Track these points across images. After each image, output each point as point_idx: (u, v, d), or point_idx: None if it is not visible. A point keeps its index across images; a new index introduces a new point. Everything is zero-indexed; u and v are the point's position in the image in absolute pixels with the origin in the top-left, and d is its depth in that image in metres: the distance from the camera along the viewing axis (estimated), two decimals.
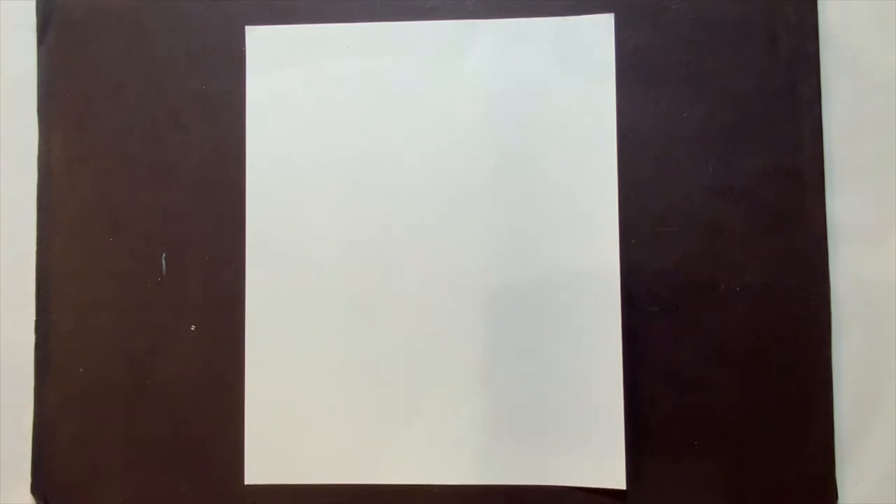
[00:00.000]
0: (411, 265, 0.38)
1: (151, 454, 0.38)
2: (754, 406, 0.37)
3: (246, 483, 0.38)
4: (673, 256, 0.38)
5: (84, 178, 0.39)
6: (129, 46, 0.40)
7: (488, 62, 0.39)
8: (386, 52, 0.39)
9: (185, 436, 0.38)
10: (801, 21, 0.38)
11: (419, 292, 0.38)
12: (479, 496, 0.37)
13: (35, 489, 0.39)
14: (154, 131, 0.39)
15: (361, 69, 0.39)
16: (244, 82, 0.39)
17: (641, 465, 0.37)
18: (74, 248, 0.39)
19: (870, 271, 0.38)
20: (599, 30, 0.38)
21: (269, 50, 0.39)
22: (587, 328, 0.37)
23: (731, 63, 0.38)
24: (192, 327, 0.39)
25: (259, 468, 0.38)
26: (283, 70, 0.39)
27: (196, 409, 0.38)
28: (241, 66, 0.39)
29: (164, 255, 0.39)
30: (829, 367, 0.37)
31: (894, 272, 0.38)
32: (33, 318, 0.39)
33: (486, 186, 0.38)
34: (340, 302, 0.38)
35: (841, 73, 0.39)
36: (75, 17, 0.40)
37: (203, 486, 0.38)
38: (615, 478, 0.37)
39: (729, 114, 0.38)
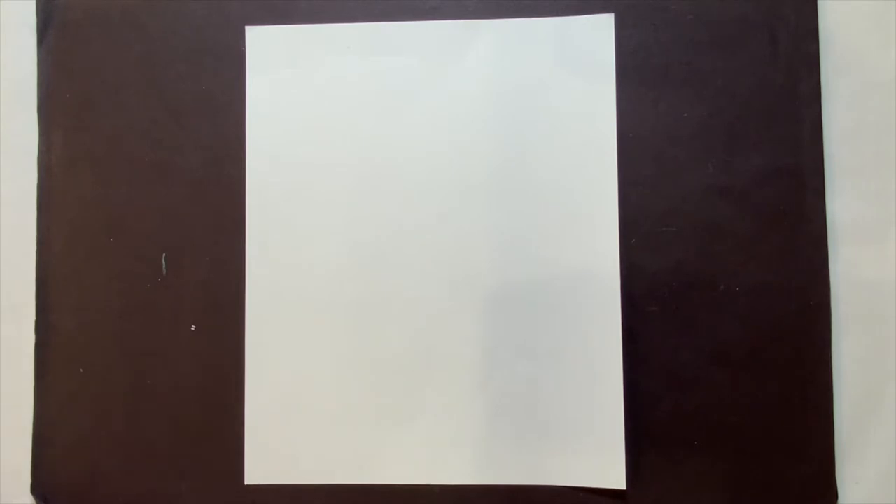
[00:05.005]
0: (411, 265, 0.38)
1: (151, 454, 0.38)
2: (754, 406, 0.37)
3: (246, 483, 0.38)
4: (673, 256, 0.38)
5: (84, 178, 0.39)
6: (129, 46, 0.40)
7: (488, 62, 0.39)
8: (386, 52, 0.39)
9: (185, 436, 0.38)
10: (801, 21, 0.38)
11: (419, 292, 0.38)
12: (479, 496, 0.37)
13: (35, 489, 0.39)
14: (154, 131, 0.39)
15: (361, 69, 0.39)
16: (244, 82, 0.39)
17: (641, 465, 0.37)
18: (74, 248, 0.39)
19: (870, 271, 0.38)
20: (599, 30, 0.38)
21: (269, 50, 0.39)
22: (587, 328, 0.37)
23: (731, 63, 0.38)
24: (192, 327, 0.39)
25: (259, 468, 0.38)
26: (283, 70, 0.39)
27: (196, 409, 0.38)
28: (241, 66, 0.39)
29: (164, 255, 0.39)
30: (829, 367, 0.37)
31: (894, 272, 0.38)
32: (33, 318, 0.39)
33: (486, 186, 0.38)
34: (340, 302, 0.38)
35: (841, 73, 0.39)
36: (75, 17, 0.40)
37: (203, 486, 0.38)
38: (615, 478, 0.37)
39: (729, 114, 0.38)
